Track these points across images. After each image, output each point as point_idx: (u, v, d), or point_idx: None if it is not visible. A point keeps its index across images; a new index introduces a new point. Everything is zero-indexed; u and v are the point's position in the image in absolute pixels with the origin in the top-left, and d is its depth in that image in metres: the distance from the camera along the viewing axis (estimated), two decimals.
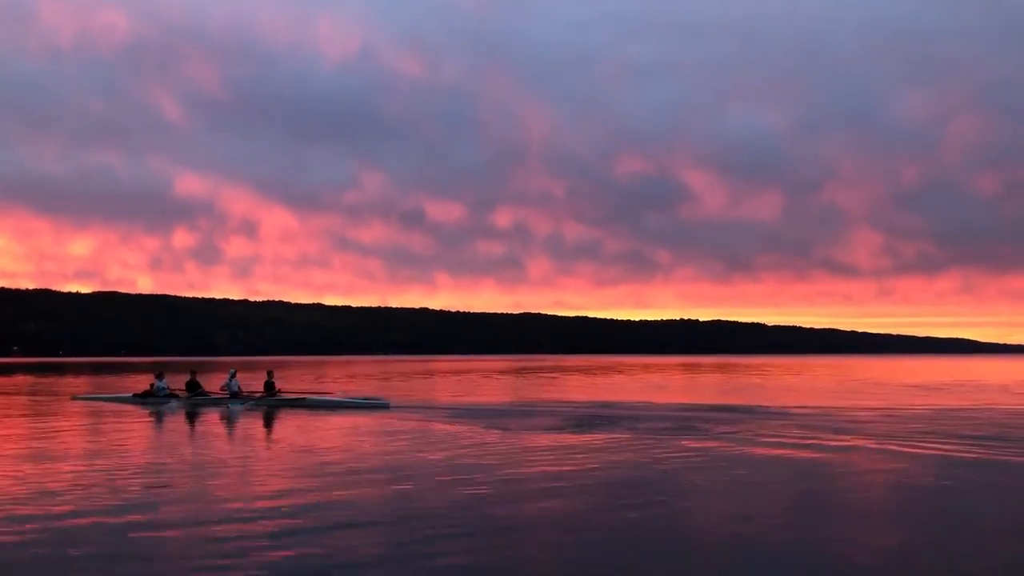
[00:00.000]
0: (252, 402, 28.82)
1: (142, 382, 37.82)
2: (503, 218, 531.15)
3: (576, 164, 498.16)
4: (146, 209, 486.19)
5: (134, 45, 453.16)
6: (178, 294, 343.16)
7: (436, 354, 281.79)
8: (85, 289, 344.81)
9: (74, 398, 33.98)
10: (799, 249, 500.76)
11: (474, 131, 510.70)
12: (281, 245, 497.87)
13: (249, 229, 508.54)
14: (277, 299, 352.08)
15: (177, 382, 32.47)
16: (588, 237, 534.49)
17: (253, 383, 33.02)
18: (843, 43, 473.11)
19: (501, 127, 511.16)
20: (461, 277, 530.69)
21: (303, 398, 29.16)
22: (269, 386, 29.88)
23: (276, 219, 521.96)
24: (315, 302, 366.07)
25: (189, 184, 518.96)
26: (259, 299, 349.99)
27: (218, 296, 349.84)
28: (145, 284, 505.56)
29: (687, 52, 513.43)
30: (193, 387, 30.41)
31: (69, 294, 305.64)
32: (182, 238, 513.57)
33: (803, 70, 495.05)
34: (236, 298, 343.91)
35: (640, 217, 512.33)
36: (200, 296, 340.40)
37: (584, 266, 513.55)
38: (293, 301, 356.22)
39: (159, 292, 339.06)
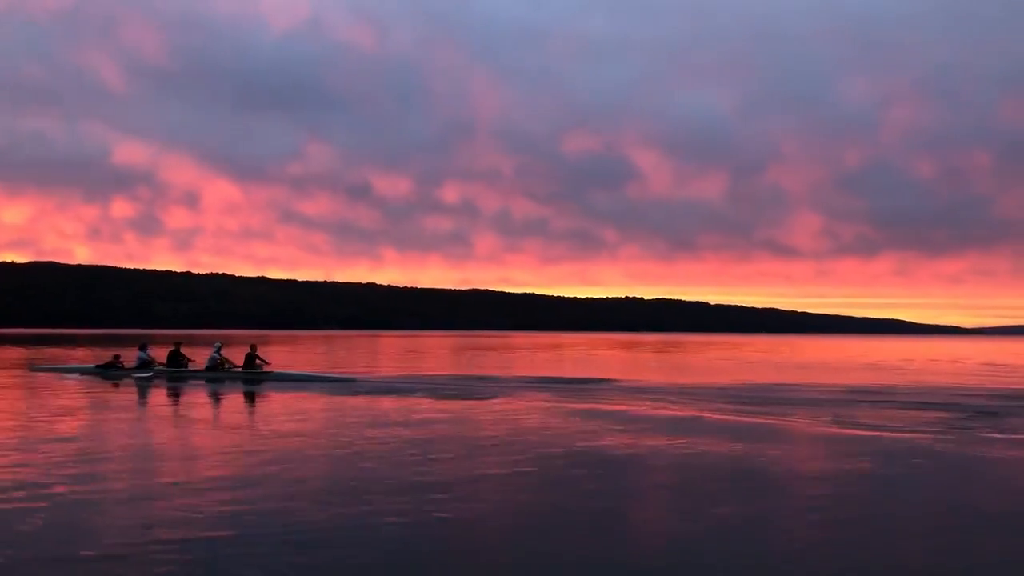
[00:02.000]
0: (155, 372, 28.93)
1: (91, 354, 37.20)
2: (451, 193, 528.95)
3: (525, 140, 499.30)
4: (83, 177, 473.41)
5: (72, 8, 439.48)
6: (117, 265, 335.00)
7: (382, 329, 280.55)
8: (20, 259, 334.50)
9: (34, 369, 33.29)
10: (742, 230, 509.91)
11: (423, 104, 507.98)
12: (223, 217, 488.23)
13: (191, 200, 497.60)
14: (218, 272, 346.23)
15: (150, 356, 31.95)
16: (536, 214, 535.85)
17: (198, 357, 32.29)
18: (792, 26, 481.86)
19: (450, 101, 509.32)
20: (408, 252, 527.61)
21: (269, 372, 29.09)
22: (250, 359, 29.69)
23: (219, 190, 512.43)
24: (259, 275, 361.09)
25: (129, 153, 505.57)
26: (202, 271, 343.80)
27: (157, 268, 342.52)
28: (83, 254, 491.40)
29: (639, 30, 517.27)
30: (175, 359, 30.10)
31: (4, 263, 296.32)
32: (121, 208, 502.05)
33: (752, 52, 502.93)
34: (175, 269, 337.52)
35: (587, 195, 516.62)
36: (140, 268, 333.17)
37: (531, 243, 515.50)
38: (233, 274, 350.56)
39: (97, 263, 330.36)
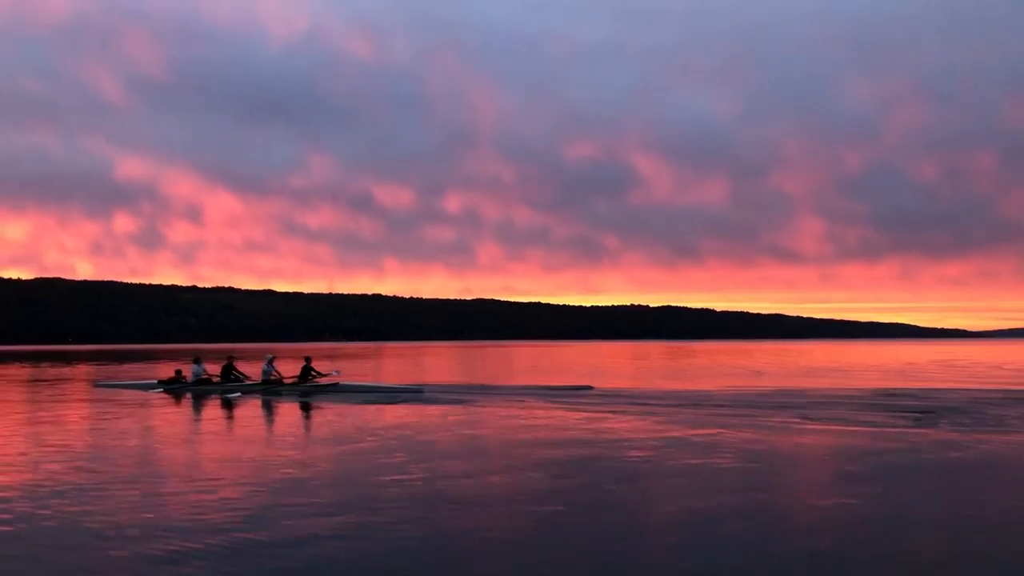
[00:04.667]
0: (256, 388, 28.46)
1: (120, 370, 36.91)
2: (452, 203, 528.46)
3: (526, 148, 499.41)
4: (84, 192, 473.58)
5: (72, 22, 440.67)
6: (121, 280, 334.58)
7: (389, 340, 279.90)
8: (25, 275, 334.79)
9: (96, 385, 33.00)
10: (744, 235, 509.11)
11: (423, 113, 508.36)
12: (226, 230, 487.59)
13: (193, 213, 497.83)
14: (224, 285, 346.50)
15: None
16: (538, 223, 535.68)
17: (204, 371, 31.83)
18: (791, 29, 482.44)
19: (450, 109, 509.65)
20: (410, 263, 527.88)
21: (336, 384, 28.81)
22: (305, 371, 29.41)
23: (220, 203, 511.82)
24: (263, 288, 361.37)
25: (130, 167, 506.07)
26: (207, 285, 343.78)
27: (162, 282, 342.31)
28: (85, 270, 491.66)
29: (637, 35, 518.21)
30: (228, 372, 29.75)
31: (9, 280, 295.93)
32: (123, 222, 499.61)
33: (751, 55, 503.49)
34: (181, 284, 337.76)
35: (589, 202, 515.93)
36: (144, 282, 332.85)
37: (533, 252, 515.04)
38: (239, 287, 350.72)
39: (101, 278, 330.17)
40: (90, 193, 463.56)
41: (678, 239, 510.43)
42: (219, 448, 14.15)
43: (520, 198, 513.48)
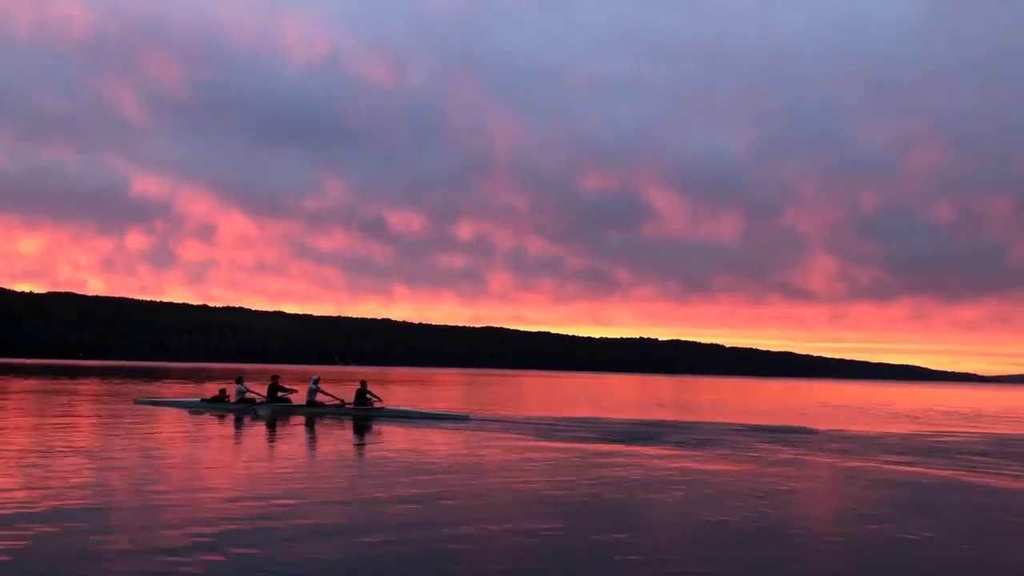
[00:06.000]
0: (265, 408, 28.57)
1: (149, 388, 36.43)
2: (465, 230, 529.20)
3: (540, 178, 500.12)
4: (99, 209, 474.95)
5: (93, 39, 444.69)
6: (131, 296, 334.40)
7: (397, 365, 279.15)
8: (37, 289, 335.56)
9: (137, 402, 32.56)
10: (756, 272, 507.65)
11: (439, 140, 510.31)
12: (237, 250, 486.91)
13: (205, 233, 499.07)
14: (233, 305, 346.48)
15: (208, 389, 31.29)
16: (549, 253, 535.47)
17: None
18: (809, 68, 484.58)
19: (467, 137, 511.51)
20: (419, 289, 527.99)
21: (380, 409, 28.62)
22: (360, 395, 29.08)
23: (233, 224, 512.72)
24: (272, 309, 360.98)
25: (145, 185, 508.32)
26: (218, 305, 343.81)
27: (172, 300, 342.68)
28: (96, 286, 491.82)
29: (655, 69, 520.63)
30: (274, 392, 29.33)
31: (21, 293, 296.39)
32: (136, 240, 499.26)
33: (768, 93, 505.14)
34: (191, 302, 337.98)
35: (601, 234, 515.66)
36: (154, 299, 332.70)
37: (544, 282, 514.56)
38: (249, 307, 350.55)
39: (112, 294, 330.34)
40: (105, 210, 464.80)
41: (690, 274, 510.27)
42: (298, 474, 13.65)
43: (533, 228, 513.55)
